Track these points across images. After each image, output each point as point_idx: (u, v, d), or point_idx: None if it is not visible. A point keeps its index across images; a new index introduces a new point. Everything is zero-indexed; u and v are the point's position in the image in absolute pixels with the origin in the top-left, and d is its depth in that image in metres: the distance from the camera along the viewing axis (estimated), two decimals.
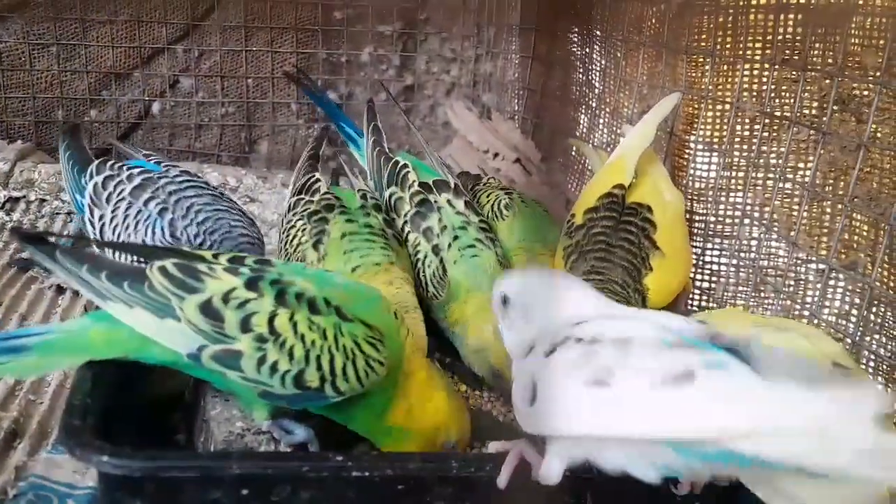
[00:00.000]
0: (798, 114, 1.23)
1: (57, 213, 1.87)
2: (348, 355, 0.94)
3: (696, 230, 1.47)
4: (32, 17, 2.07)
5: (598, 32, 1.81)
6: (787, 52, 1.25)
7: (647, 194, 1.33)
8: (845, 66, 1.14)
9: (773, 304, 1.31)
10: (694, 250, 1.45)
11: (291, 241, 1.31)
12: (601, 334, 0.79)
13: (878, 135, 1.13)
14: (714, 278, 1.46)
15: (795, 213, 1.26)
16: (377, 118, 1.55)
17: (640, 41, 1.61)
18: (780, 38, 1.26)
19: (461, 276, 1.30)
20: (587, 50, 1.87)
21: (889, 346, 1.11)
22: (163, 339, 0.93)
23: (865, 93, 1.15)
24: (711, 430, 0.70)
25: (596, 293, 0.91)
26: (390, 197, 1.41)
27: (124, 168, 1.37)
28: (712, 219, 1.44)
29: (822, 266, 1.21)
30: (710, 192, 1.44)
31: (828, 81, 1.18)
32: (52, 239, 0.98)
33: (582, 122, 1.91)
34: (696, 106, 1.47)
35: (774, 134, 1.30)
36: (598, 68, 1.82)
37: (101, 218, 1.32)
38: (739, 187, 1.38)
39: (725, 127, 1.40)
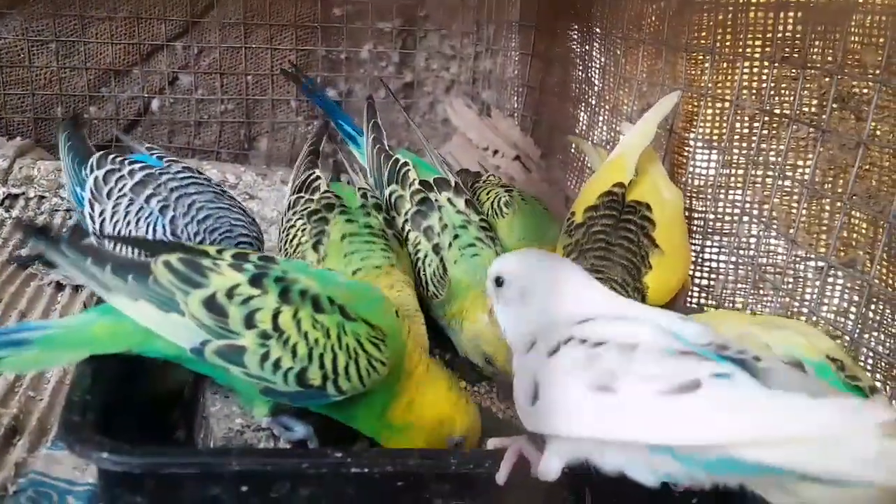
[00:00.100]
0: (797, 111, 1.23)
1: (56, 210, 1.87)
2: (351, 354, 0.94)
3: (695, 228, 1.47)
4: (31, 13, 2.07)
5: (597, 30, 1.81)
6: (787, 49, 1.25)
7: (646, 192, 1.33)
8: (845, 64, 1.14)
9: (771, 302, 1.31)
10: (693, 248, 1.46)
11: (291, 240, 1.31)
12: (606, 336, 0.79)
13: (878, 133, 1.13)
14: (713, 276, 1.46)
15: (794, 211, 1.26)
16: (377, 115, 1.55)
17: (639, 39, 1.61)
18: (779, 35, 1.26)
19: (461, 274, 1.30)
20: (587, 47, 1.87)
21: (887, 344, 1.11)
22: (166, 332, 0.93)
23: (865, 91, 1.15)
24: (716, 438, 0.70)
25: (596, 282, 0.91)
26: (391, 195, 1.41)
27: (126, 162, 1.36)
28: (712, 216, 1.44)
29: (820, 263, 1.22)
30: (710, 190, 1.44)
31: (827, 79, 1.18)
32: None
33: (581, 119, 1.91)
34: (696, 104, 1.47)
35: (774, 132, 1.30)
36: (598, 66, 1.82)
37: (101, 213, 1.31)
38: (739, 185, 1.38)
39: (725, 125, 1.40)
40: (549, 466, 0.80)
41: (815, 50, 1.21)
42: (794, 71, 1.24)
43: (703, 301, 1.48)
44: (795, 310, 1.26)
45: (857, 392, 0.90)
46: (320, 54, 2.30)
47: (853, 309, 1.17)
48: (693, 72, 1.47)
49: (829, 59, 1.18)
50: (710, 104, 1.43)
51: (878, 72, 1.08)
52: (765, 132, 1.31)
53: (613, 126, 1.72)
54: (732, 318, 1.11)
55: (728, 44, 1.37)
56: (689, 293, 1.47)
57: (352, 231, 1.28)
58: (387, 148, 1.49)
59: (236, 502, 0.84)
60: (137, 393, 1.07)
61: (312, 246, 1.27)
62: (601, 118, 1.80)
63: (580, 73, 1.91)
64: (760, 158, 1.32)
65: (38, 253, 1.66)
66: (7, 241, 1.72)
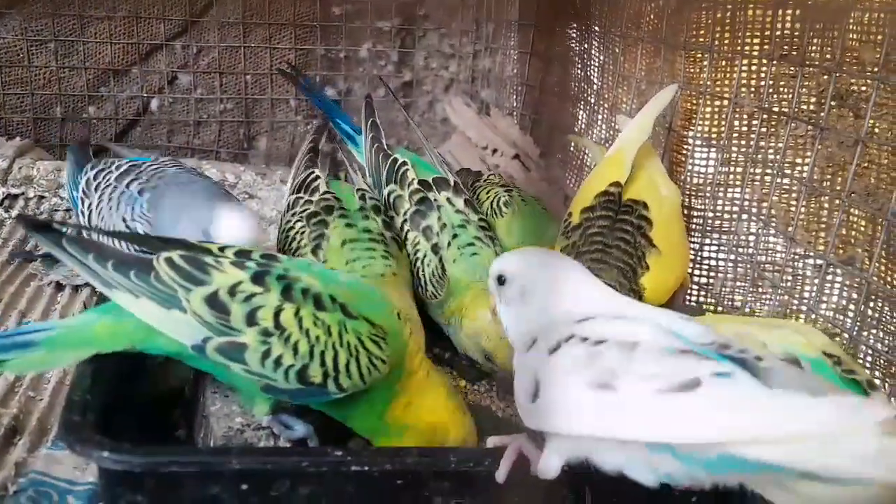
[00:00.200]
0: (796, 109, 1.23)
1: (55, 210, 1.87)
2: (352, 352, 0.95)
3: (694, 226, 1.47)
4: (30, 13, 2.07)
5: (596, 28, 1.81)
6: (786, 47, 1.25)
7: (644, 190, 1.33)
8: (843, 62, 1.14)
9: (770, 300, 1.31)
10: (692, 246, 1.46)
11: (290, 243, 1.31)
12: (607, 335, 0.79)
13: (876, 130, 1.13)
14: (712, 274, 1.46)
15: (793, 209, 1.26)
16: (375, 114, 1.55)
17: (638, 37, 1.61)
18: (778, 33, 1.26)
19: (460, 273, 1.30)
20: (585, 46, 1.87)
21: (886, 341, 1.11)
22: (168, 329, 0.94)
23: (863, 88, 1.15)
24: (715, 436, 0.71)
25: (597, 280, 0.91)
26: (389, 195, 1.41)
27: (114, 161, 1.41)
28: (710, 214, 1.44)
29: (819, 261, 1.22)
30: (709, 188, 1.44)
31: (826, 77, 1.18)
32: (59, 226, 0.98)
33: (580, 117, 1.91)
34: (695, 101, 1.47)
35: (772, 129, 1.30)
36: (597, 64, 1.82)
37: (89, 206, 1.34)
38: (737, 183, 1.38)
39: (723, 122, 1.40)
40: (549, 465, 0.80)
41: (814, 48, 1.21)
42: (792, 69, 1.24)
43: (702, 299, 1.48)
44: (794, 307, 1.26)
45: (855, 386, 0.90)
46: (319, 53, 2.30)
47: (852, 306, 1.17)
48: (692, 70, 1.47)
49: (828, 56, 1.18)
50: (708, 102, 1.43)
51: (876, 69, 1.08)
52: (763, 130, 1.31)
53: (612, 124, 1.72)
54: (729, 321, 1.11)
55: (727, 42, 1.37)
56: (688, 291, 1.47)
57: (352, 237, 1.28)
58: (385, 147, 1.49)
59: (236, 501, 0.85)
60: (137, 392, 1.08)
61: (312, 250, 1.27)
62: (600, 116, 1.80)
63: (579, 72, 1.91)
64: (759, 156, 1.32)
65: (38, 251, 1.67)
66: (7, 241, 1.72)
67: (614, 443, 0.75)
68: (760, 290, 1.34)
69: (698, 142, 1.47)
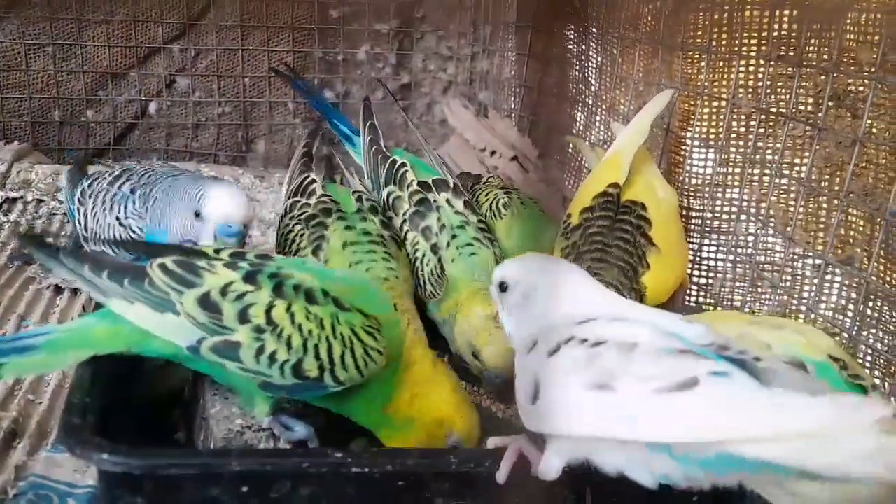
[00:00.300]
0: (794, 110, 1.24)
1: (54, 214, 1.87)
2: (346, 344, 0.95)
3: (692, 226, 1.48)
4: (28, 17, 2.07)
5: (594, 29, 1.81)
6: (783, 48, 1.26)
7: (641, 192, 1.34)
8: (840, 62, 1.14)
9: (770, 300, 1.31)
10: (691, 246, 1.46)
11: (290, 245, 1.31)
12: (606, 336, 0.79)
13: (874, 130, 1.13)
14: (711, 274, 1.46)
15: (792, 209, 1.26)
16: (373, 117, 1.55)
17: (636, 38, 1.61)
18: (775, 34, 1.27)
19: (459, 273, 1.30)
20: (583, 47, 1.87)
21: (886, 341, 1.11)
22: (163, 332, 0.94)
23: (861, 88, 1.15)
24: (713, 435, 0.71)
25: (597, 283, 0.91)
26: (388, 196, 1.41)
27: (108, 170, 1.44)
28: (709, 215, 1.44)
29: (818, 261, 1.22)
30: (707, 189, 1.44)
31: (823, 77, 1.18)
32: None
33: (578, 119, 1.91)
34: (693, 102, 1.47)
35: (770, 130, 1.31)
36: (595, 65, 1.82)
37: (84, 213, 1.36)
38: (736, 183, 1.38)
39: (721, 123, 1.40)
40: (550, 466, 0.80)
41: (811, 48, 1.21)
42: (789, 69, 1.24)
43: (701, 300, 1.48)
44: (794, 308, 1.26)
45: (860, 391, 0.90)
46: (317, 56, 2.30)
47: (851, 306, 1.17)
48: (689, 71, 1.47)
49: (825, 57, 1.18)
50: (706, 103, 1.43)
51: (873, 69, 1.08)
52: (761, 130, 1.31)
53: (610, 125, 1.73)
54: (731, 318, 1.11)
55: (724, 42, 1.38)
56: (688, 292, 1.47)
57: (352, 239, 1.28)
58: (384, 149, 1.49)
59: (237, 503, 0.84)
60: (137, 394, 1.08)
61: (312, 251, 1.27)
62: (598, 118, 1.80)
63: (577, 73, 1.91)
64: (757, 156, 1.32)
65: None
66: (6, 245, 1.72)
67: (614, 443, 0.76)
68: (759, 290, 1.34)
69: (696, 142, 1.47)
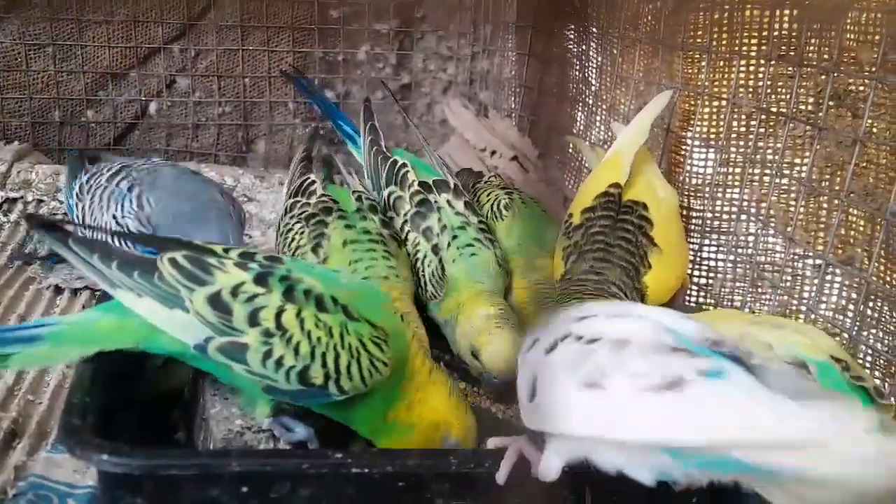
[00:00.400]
0: (794, 109, 1.24)
1: (54, 214, 1.86)
2: (353, 354, 0.95)
3: (693, 226, 1.48)
4: (28, 17, 2.07)
5: (594, 29, 1.81)
6: (783, 47, 1.26)
7: (642, 192, 1.34)
8: (841, 62, 1.14)
9: (770, 300, 1.31)
10: (691, 246, 1.46)
11: (290, 244, 1.31)
12: (601, 333, 0.79)
13: (874, 130, 1.13)
14: (711, 274, 1.46)
15: (792, 209, 1.26)
16: (374, 117, 1.55)
17: (636, 38, 1.61)
18: (775, 34, 1.26)
19: (459, 273, 1.30)
20: (583, 47, 1.87)
21: (886, 341, 1.11)
22: (170, 329, 0.94)
23: (861, 88, 1.15)
24: (698, 439, 0.70)
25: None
26: (389, 196, 1.41)
27: (107, 165, 1.42)
28: (709, 215, 1.44)
29: (818, 261, 1.22)
30: (707, 188, 1.44)
31: (823, 77, 1.18)
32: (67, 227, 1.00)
33: (578, 119, 1.91)
34: (693, 102, 1.47)
35: (771, 130, 1.31)
36: (595, 65, 1.82)
37: (82, 209, 1.36)
38: (736, 183, 1.38)
39: (722, 123, 1.40)
40: (549, 466, 0.80)
41: (811, 48, 1.21)
42: (790, 69, 1.24)
43: (701, 300, 1.48)
44: (794, 308, 1.26)
45: (862, 393, 0.89)
46: (317, 56, 2.30)
47: (851, 306, 1.17)
48: (690, 70, 1.47)
49: (825, 56, 1.18)
50: (706, 103, 1.43)
51: (873, 69, 1.08)
52: (762, 130, 1.31)
53: (611, 125, 1.73)
54: (732, 317, 1.11)
55: (724, 42, 1.38)
56: (688, 292, 1.47)
57: (352, 238, 1.28)
58: (384, 150, 1.49)
59: (236, 503, 0.84)
60: (137, 395, 1.08)
61: (312, 249, 1.27)
62: (598, 118, 1.80)
63: (577, 73, 1.91)
64: (758, 156, 1.32)
65: (38, 253, 1.67)
66: (6, 245, 1.72)
67: (612, 442, 0.75)
68: (760, 290, 1.34)
69: (697, 142, 1.47)
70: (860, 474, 0.66)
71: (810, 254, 1.25)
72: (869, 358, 1.13)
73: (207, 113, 2.26)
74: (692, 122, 1.47)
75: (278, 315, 0.94)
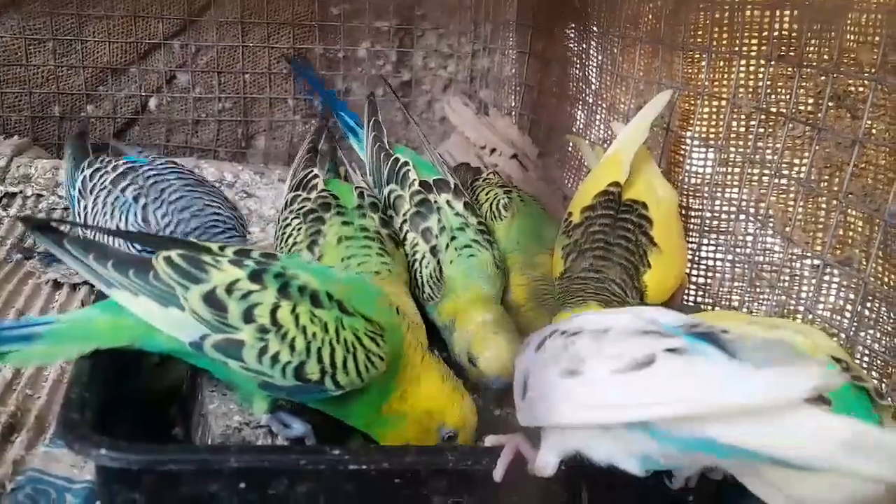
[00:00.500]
0: (794, 110, 1.24)
1: (53, 208, 1.86)
2: (349, 349, 0.95)
3: (692, 226, 1.48)
4: (29, 12, 2.07)
5: (594, 28, 1.81)
6: (783, 48, 1.26)
7: (642, 191, 1.34)
8: (840, 63, 1.14)
9: (768, 300, 1.32)
10: (690, 246, 1.46)
11: (287, 239, 1.31)
12: (582, 326, 0.81)
13: (873, 131, 1.13)
14: (710, 274, 1.46)
15: (791, 209, 1.26)
16: (378, 113, 1.55)
17: (636, 37, 1.61)
18: (775, 34, 1.27)
19: (457, 274, 1.30)
20: (584, 46, 1.87)
21: (883, 342, 1.11)
22: (166, 327, 0.94)
23: (860, 89, 1.15)
24: (666, 411, 0.70)
25: None
26: (390, 194, 1.41)
27: (112, 161, 1.40)
28: (708, 215, 1.44)
29: (817, 262, 1.22)
30: (706, 188, 1.44)
31: (823, 78, 1.18)
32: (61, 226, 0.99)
33: (578, 118, 1.91)
34: (693, 102, 1.47)
35: (770, 130, 1.31)
36: (595, 64, 1.82)
37: (84, 207, 1.34)
38: (735, 183, 1.38)
39: (721, 123, 1.40)
40: (545, 462, 0.81)
41: (811, 48, 1.21)
42: (790, 69, 1.24)
43: (700, 299, 1.48)
44: (792, 308, 1.26)
45: (863, 394, 0.89)
46: (318, 53, 2.30)
47: (849, 307, 1.17)
48: (690, 70, 1.47)
49: (825, 57, 1.18)
50: (706, 102, 1.43)
51: (873, 70, 1.08)
52: (761, 130, 1.31)
53: (611, 125, 1.73)
54: (729, 317, 1.12)
55: (724, 42, 1.38)
56: (687, 291, 1.47)
57: (348, 234, 1.28)
58: (387, 147, 1.49)
59: (234, 499, 0.85)
60: (136, 390, 1.08)
61: (308, 246, 1.27)
62: (598, 117, 1.80)
63: (577, 72, 1.91)
64: (757, 156, 1.32)
65: (37, 247, 1.67)
66: (5, 239, 1.72)
67: (597, 429, 0.76)
68: (758, 290, 1.34)
69: (696, 142, 1.47)
70: (831, 460, 0.63)
71: (808, 254, 1.25)
72: (866, 358, 1.13)
73: (207, 109, 2.26)
74: (692, 121, 1.47)
75: (273, 311, 0.94)
